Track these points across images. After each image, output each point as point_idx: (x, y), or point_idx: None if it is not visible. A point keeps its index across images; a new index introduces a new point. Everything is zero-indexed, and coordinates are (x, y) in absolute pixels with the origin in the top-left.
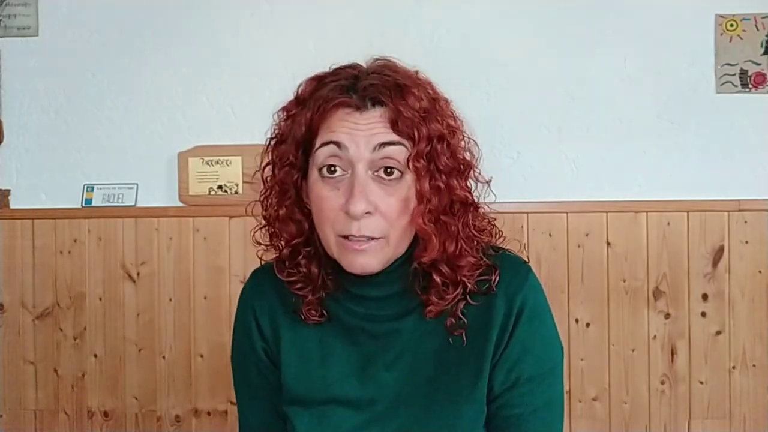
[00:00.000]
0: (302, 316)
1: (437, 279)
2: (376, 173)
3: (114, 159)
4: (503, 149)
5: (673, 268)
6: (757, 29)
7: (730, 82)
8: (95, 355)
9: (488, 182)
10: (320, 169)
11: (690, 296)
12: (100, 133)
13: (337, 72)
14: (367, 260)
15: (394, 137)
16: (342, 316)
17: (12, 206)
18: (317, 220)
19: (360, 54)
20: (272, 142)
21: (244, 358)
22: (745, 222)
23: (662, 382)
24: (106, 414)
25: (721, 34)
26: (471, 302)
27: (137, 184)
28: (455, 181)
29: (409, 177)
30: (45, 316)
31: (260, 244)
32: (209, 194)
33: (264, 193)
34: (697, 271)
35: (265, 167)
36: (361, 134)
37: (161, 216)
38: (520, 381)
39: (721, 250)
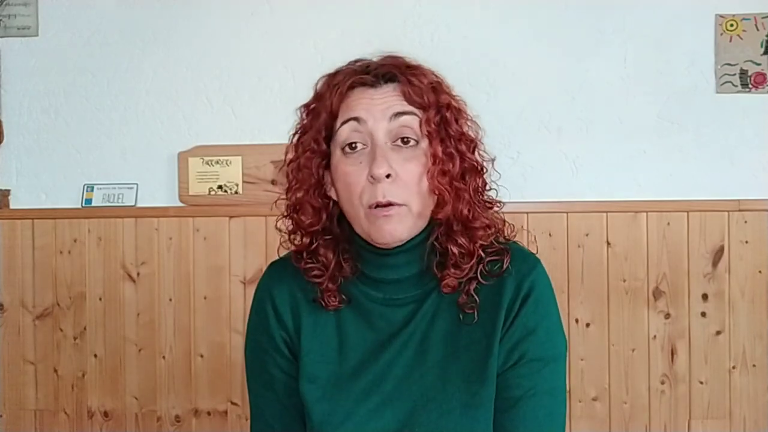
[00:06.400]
0: (323, 303)
1: (454, 250)
2: (394, 143)
3: (114, 159)
4: (503, 149)
5: (673, 268)
6: (757, 29)
7: (730, 82)
8: (95, 355)
9: (492, 160)
10: (343, 148)
11: (690, 296)
12: (100, 133)
13: (350, 64)
14: (394, 226)
15: (408, 107)
16: (361, 301)
17: (12, 206)
18: (345, 197)
19: (360, 54)
20: (295, 137)
21: (261, 349)
22: (745, 222)
23: (662, 382)
24: (106, 414)
25: (721, 34)
26: (482, 282)
27: (137, 184)
28: (464, 148)
29: (424, 144)
30: (45, 316)
31: (281, 231)
32: (209, 194)
33: (287, 184)
34: (697, 271)
35: (290, 163)
36: (377, 107)
37: (161, 216)
38: (522, 361)
39: (721, 250)
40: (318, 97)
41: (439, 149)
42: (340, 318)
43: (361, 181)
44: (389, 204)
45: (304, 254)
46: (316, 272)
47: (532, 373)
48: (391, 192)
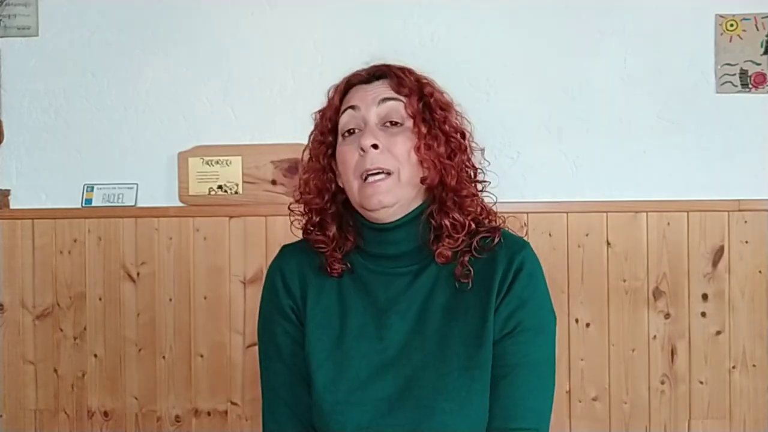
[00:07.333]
0: (328, 270)
1: (447, 222)
2: (383, 125)
3: (114, 159)
4: (503, 149)
5: (673, 268)
6: (757, 29)
7: (730, 82)
8: (95, 355)
9: (482, 150)
10: (342, 134)
11: (690, 296)
12: (100, 133)
13: (354, 72)
14: (382, 194)
15: (393, 94)
16: (361, 273)
17: (12, 206)
18: (343, 173)
19: (360, 53)
20: (311, 136)
21: (272, 321)
22: (745, 222)
23: (662, 382)
24: (106, 414)
25: (721, 34)
26: (476, 255)
27: (137, 184)
28: (449, 130)
29: (409, 124)
30: (45, 316)
31: (292, 211)
32: (209, 194)
33: (302, 173)
34: (697, 271)
35: (308, 161)
36: (369, 96)
37: (161, 216)
38: (518, 329)
39: (721, 250)
40: (327, 101)
41: (423, 128)
42: (342, 287)
43: (355, 156)
44: (378, 170)
45: (313, 230)
46: (322, 237)
47: (527, 340)
48: (379, 159)
